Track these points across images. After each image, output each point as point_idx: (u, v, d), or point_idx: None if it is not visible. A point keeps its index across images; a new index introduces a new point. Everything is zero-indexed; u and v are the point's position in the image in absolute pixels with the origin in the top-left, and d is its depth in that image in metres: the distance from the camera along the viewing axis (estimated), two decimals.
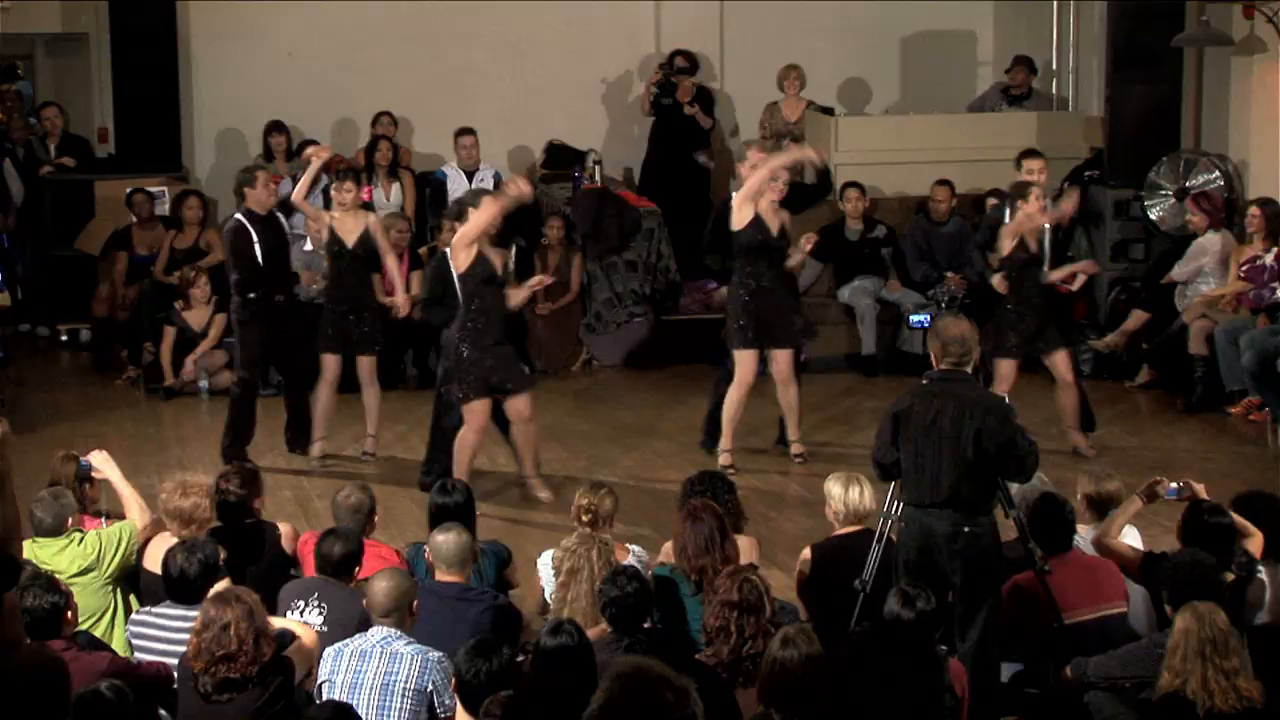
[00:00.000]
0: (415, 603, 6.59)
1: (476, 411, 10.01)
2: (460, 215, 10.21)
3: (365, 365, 11.19)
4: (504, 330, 10.14)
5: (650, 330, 14.03)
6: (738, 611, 6.40)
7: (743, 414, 10.99)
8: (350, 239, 11.06)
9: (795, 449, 11.06)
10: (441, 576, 7.16)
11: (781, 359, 10.91)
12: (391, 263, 11.48)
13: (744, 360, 10.84)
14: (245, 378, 11.12)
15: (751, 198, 10.71)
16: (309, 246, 13.18)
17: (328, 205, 11.56)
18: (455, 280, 10.01)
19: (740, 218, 10.73)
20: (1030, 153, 11.61)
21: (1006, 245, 10.89)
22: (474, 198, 10.25)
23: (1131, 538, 7.96)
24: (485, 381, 10.00)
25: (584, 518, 7.61)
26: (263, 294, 10.84)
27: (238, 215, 10.96)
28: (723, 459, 10.82)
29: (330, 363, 11.10)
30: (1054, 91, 15.44)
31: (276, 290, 10.94)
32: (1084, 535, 7.75)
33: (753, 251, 10.76)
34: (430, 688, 6.39)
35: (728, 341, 10.97)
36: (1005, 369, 10.83)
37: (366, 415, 11.28)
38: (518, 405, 10.18)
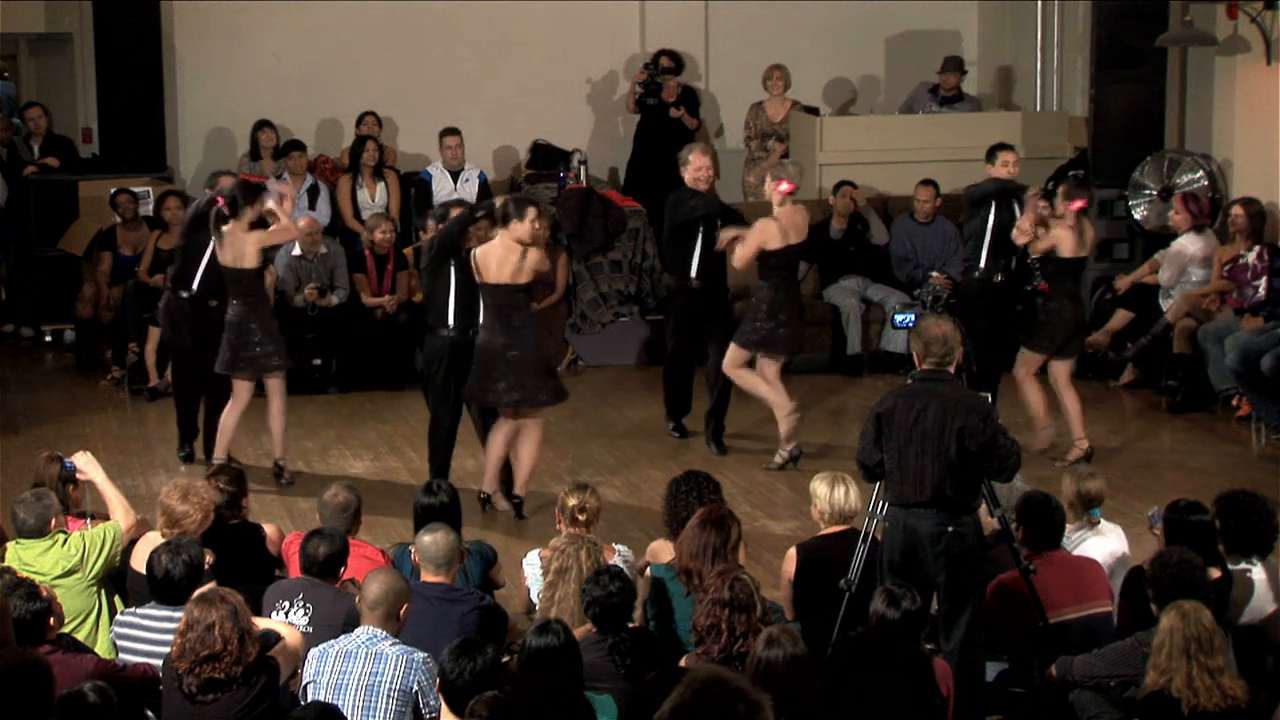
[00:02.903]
0: (405, 607, 6.58)
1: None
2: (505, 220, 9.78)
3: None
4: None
5: (636, 330, 14.07)
6: (729, 610, 6.40)
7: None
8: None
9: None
10: (427, 577, 7.16)
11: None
12: None
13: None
14: None
15: None
16: (296, 251, 13.16)
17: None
18: None
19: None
20: (1004, 145, 11.49)
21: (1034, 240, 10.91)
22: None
23: (1115, 538, 7.98)
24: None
25: (579, 517, 7.61)
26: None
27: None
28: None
29: None
30: (1038, 91, 15.47)
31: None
32: (1068, 534, 7.79)
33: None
34: (415, 688, 6.38)
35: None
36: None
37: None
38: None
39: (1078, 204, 10.80)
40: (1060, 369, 10.91)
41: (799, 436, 10.96)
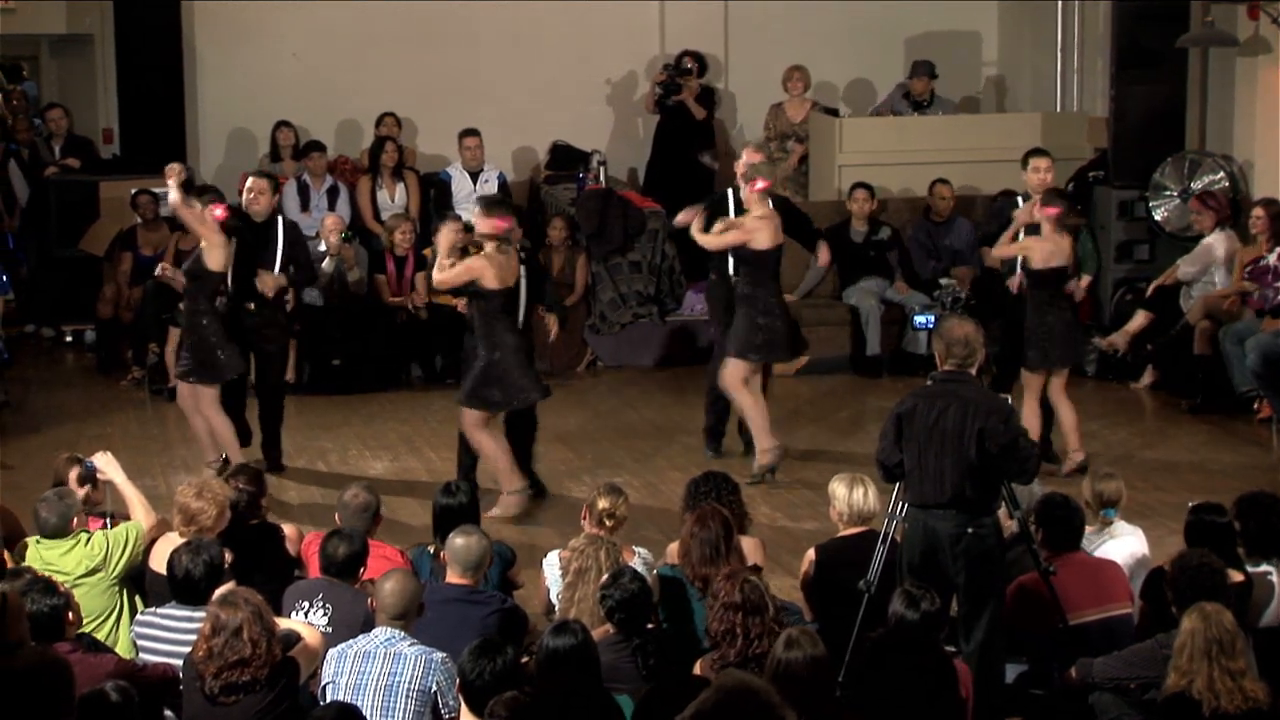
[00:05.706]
0: (419, 607, 6.59)
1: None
2: None
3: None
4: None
5: (654, 331, 14.04)
6: (741, 613, 6.39)
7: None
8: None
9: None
10: (453, 578, 7.15)
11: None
12: None
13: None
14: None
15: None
16: (324, 246, 13.17)
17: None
18: None
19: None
20: (1036, 151, 11.36)
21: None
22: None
23: (1136, 540, 7.96)
24: None
25: (607, 522, 7.60)
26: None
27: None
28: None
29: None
30: (1058, 92, 15.44)
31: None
32: (1088, 535, 7.77)
33: (744, 263, 10.70)
34: (434, 688, 6.40)
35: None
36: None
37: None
38: None
39: (1051, 210, 10.52)
40: (1053, 381, 10.60)
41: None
